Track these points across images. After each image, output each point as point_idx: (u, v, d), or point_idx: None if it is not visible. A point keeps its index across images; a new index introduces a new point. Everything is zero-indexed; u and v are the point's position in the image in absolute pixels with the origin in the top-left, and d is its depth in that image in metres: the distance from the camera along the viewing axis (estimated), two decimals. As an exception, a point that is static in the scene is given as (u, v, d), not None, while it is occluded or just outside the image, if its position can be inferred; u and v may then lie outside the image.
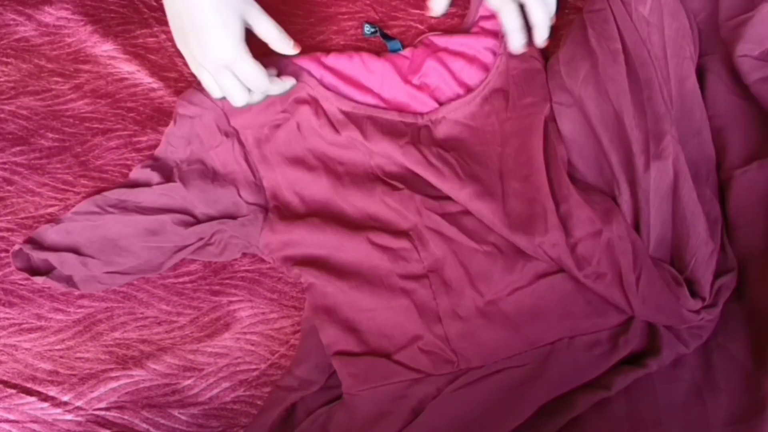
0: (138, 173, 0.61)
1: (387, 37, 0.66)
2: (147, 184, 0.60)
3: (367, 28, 0.67)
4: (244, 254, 0.60)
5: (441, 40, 0.65)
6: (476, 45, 0.64)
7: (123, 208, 0.59)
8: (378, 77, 0.64)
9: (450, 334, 0.54)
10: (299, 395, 0.53)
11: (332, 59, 0.64)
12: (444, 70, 0.63)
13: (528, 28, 0.62)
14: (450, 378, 0.53)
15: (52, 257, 0.57)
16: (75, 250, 0.58)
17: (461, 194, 0.57)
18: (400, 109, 0.63)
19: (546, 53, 0.66)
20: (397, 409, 0.52)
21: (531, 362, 0.52)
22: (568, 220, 0.54)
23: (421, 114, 0.62)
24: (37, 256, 0.58)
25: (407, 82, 0.64)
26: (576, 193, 0.55)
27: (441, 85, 0.64)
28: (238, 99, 0.57)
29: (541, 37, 0.62)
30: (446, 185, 0.58)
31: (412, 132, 0.61)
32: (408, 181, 0.60)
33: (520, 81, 0.62)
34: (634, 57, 0.57)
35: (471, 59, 0.64)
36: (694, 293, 0.52)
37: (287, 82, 0.60)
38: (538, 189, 0.56)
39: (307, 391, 0.54)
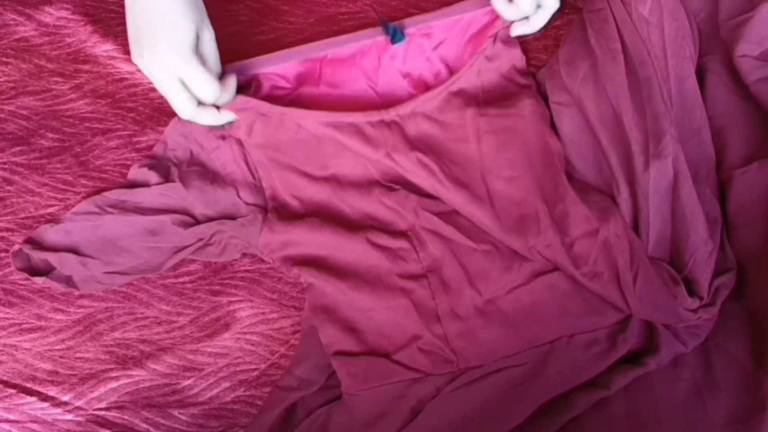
0: (136, 173, 0.61)
1: (388, 28, 0.65)
2: (146, 184, 0.60)
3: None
4: (244, 254, 0.60)
5: (440, 34, 0.65)
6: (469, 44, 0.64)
7: (122, 208, 0.59)
8: (380, 79, 0.64)
9: (449, 333, 0.54)
10: (299, 395, 0.53)
11: (330, 68, 0.63)
12: (438, 62, 0.64)
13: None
14: (449, 378, 0.53)
15: (52, 257, 0.57)
16: (75, 251, 0.58)
17: (450, 201, 0.57)
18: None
19: (543, 54, 0.66)
20: (396, 409, 0.52)
21: (530, 361, 0.52)
22: (565, 219, 0.54)
23: (386, 108, 0.61)
24: (37, 256, 0.58)
25: (406, 76, 0.64)
26: (572, 191, 0.55)
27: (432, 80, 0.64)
28: (185, 112, 0.56)
29: (526, 26, 0.60)
30: (433, 192, 0.58)
31: (384, 137, 0.60)
32: (403, 181, 0.59)
33: (491, 94, 0.62)
34: (634, 56, 0.57)
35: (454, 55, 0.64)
36: (692, 292, 0.52)
37: (228, 116, 0.59)
38: (527, 190, 0.56)
39: (306, 390, 0.54)
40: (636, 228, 0.54)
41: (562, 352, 0.52)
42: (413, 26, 0.64)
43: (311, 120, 0.59)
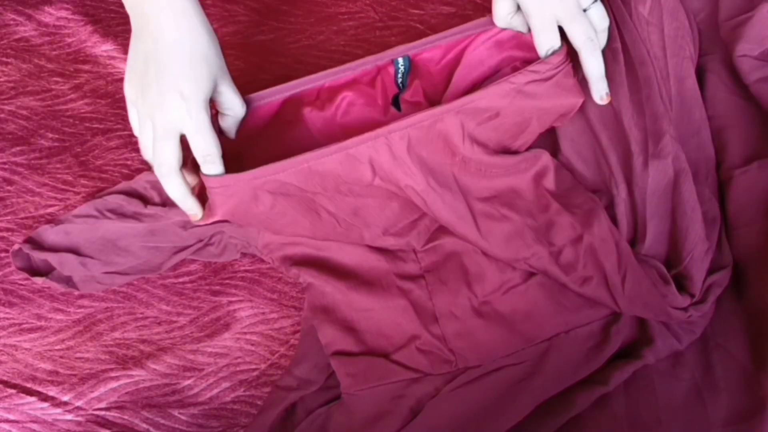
0: (139, 184, 0.61)
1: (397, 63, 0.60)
2: (145, 200, 0.60)
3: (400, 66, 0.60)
4: (244, 254, 0.60)
5: (435, 68, 0.60)
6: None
7: (121, 213, 0.59)
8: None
9: (447, 333, 0.54)
10: (298, 395, 0.53)
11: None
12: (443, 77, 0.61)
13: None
14: (448, 377, 0.53)
15: (52, 257, 0.57)
16: (74, 251, 0.58)
17: (440, 221, 0.56)
18: None
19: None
20: (395, 409, 0.52)
21: (528, 359, 0.52)
22: (550, 229, 0.54)
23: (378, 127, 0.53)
24: (37, 256, 0.58)
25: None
26: (554, 201, 0.55)
27: None
28: (167, 165, 0.50)
29: (599, 90, 0.54)
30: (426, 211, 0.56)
31: (370, 161, 0.53)
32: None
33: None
34: (633, 56, 0.57)
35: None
36: (684, 287, 0.52)
37: (195, 211, 0.53)
38: (509, 205, 0.55)
39: (306, 390, 0.54)
40: (635, 227, 0.54)
41: (559, 349, 0.52)
42: (416, 50, 0.59)
43: (290, 172, 0.51)
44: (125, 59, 0.67)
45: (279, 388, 0.54)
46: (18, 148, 0.63)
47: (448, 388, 0.52)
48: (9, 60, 0.68)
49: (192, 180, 0.53)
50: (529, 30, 0.54)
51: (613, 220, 0.54)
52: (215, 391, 0.55)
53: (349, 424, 0.52)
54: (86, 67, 0.68)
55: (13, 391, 0.54)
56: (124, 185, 0.62)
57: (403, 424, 0.51)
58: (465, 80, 0.59)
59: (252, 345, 0.57)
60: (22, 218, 0.61)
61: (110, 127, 0.65)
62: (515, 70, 0.55)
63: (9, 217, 0.61)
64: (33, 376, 0.55)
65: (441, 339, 0.54)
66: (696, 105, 0.58)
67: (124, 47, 0.68)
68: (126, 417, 0.54)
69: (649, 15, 0.57)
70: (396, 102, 0.60)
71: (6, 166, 0.63)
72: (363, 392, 0.53)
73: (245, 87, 0.56)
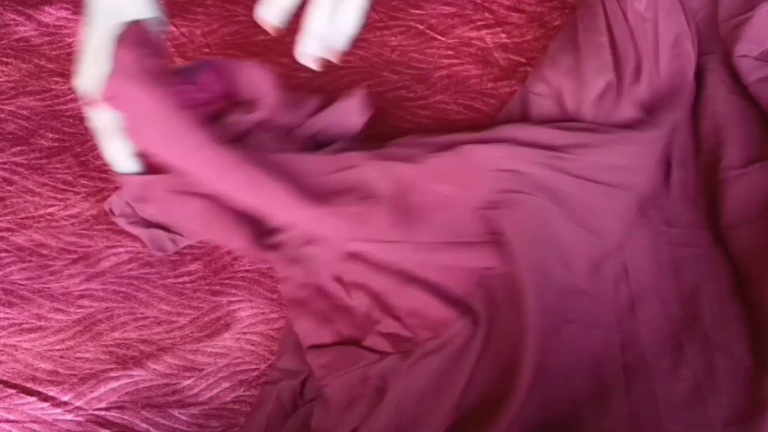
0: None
1: None
2: None
3: None
4: (244, 254, 0.60)
5: None
6: None
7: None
8: None
9: (401, 314, 0.55)
10: (284, 386, 0.54)
11: None
12: None
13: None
14: (405, 355, 0.53)
15: (143, 233, 0.58)
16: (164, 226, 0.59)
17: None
18: None
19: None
20: (365, 392, 0.52)
21: (470, 333, 0.53)
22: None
23: None
24: (128, 227, 0.58)
25: None
26: None
27: None
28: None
29: None
30: None
31: None
32: None
33: None
34: (621, 52, 0.57)
35: None
36: None
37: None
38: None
39: (291, 380, 0.54)
40: None
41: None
42: None
43: None
44: (125, 59, 0.68)
45: (267, 384, 0.55)
46: (18, 148, 0.63)
47: (405, 364, 0.52)
48: (9, 60, 0.68)
49: None
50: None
51: None
52: (215, 391, 0.55)
53: (326, 415, 0.52)
54: (86, 67, 0.68)
55: (13, 391, 0.54)
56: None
57: (371, 405, 0.52)
58: None
59: (252, 345, 0.57)
60: (22, 218, 0.61)
61: (110, 127, 0.65)
62: None
63: (9, 217, 0.60)
64: (33, 376, 0.55)
65: (398, 320, 0.54)
66: (689, 91, 0.58)
67: (124, 47, 0.68)
68: (126, 417, 0.54)
69: (645, 11, 0.57)
70: None
71: (6, 166, 0.63)
72: (336, 381, 0.53)
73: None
